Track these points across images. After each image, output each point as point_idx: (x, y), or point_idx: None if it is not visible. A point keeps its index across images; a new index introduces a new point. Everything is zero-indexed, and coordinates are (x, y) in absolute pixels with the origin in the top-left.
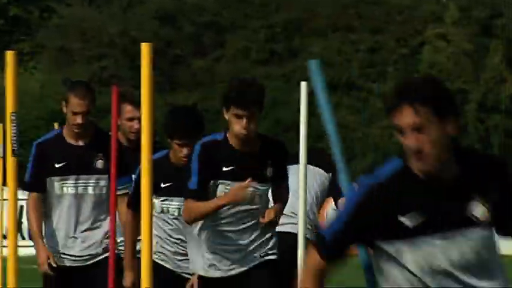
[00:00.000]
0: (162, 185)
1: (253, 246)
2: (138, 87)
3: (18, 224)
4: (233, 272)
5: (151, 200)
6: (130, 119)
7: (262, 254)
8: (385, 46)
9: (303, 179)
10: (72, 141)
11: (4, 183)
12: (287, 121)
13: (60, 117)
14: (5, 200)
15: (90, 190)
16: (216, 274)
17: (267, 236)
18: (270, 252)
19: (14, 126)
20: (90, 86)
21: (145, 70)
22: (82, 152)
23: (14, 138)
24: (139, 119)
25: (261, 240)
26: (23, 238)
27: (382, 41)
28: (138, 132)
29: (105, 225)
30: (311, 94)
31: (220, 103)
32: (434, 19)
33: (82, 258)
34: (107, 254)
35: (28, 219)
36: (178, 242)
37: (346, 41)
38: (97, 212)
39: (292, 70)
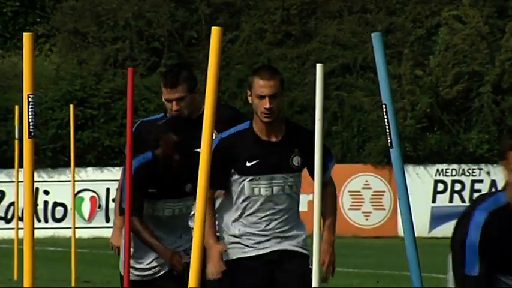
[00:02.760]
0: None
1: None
2: (153, 68)
3: (34, 206)
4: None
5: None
6: (168, 101)
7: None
8: (400, 27)
9: (318, 164)
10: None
11: (21, 165)
12: (301, 103)
13: (75, 99)
14: (20, 182)
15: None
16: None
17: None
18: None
19: (31, 108)
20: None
21: (214, 54)
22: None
23: (31, 120)
24: (176, 100)
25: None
26: (39, 221)
27: (398, 23)
28: (178, 112)
29: None
30: (326, 76)
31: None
32: (451, 0)
33: None
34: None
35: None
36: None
37: (362, 23)
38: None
39: (307, 52)
